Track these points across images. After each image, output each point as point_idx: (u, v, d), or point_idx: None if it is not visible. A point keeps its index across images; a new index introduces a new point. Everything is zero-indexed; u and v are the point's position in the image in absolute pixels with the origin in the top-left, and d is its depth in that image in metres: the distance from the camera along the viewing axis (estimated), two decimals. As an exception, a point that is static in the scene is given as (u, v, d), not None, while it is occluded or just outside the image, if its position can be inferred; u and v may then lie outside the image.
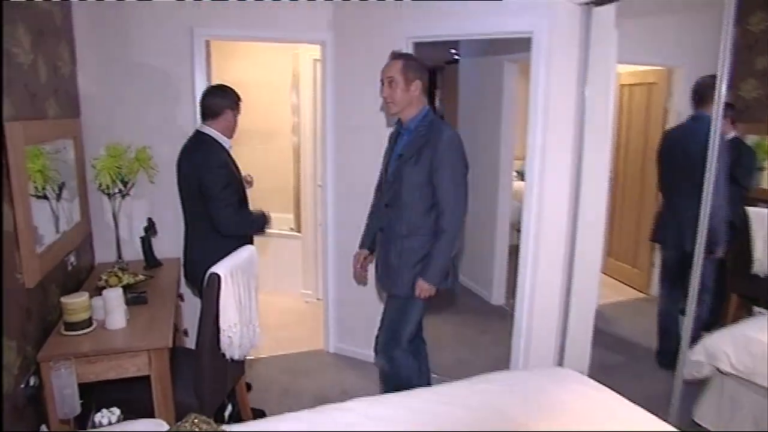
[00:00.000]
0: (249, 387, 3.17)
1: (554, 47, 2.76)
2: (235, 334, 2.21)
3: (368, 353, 3.43)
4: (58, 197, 2.44)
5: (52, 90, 2.45)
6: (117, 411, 2.05)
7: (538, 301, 3.02)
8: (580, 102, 2.86)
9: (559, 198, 2.93)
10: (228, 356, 2.22)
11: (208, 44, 3.14)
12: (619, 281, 4.86)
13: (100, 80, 2.94)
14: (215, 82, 2.95)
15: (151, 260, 2.92)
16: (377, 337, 2.64)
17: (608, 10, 2.79)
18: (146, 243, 2.93)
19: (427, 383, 2.60)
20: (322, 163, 3.55)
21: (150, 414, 2.15)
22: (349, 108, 3.32)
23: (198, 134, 2.64)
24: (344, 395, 3.10)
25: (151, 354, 2.12)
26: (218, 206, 2.53)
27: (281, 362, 3.53)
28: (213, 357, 2.20)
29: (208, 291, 2.13)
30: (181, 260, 2.78)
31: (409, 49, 3.12)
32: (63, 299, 2.13)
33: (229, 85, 2.71)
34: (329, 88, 3.34)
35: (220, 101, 2.64)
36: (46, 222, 2.24)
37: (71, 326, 2.13)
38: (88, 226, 2.87)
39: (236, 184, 2.66)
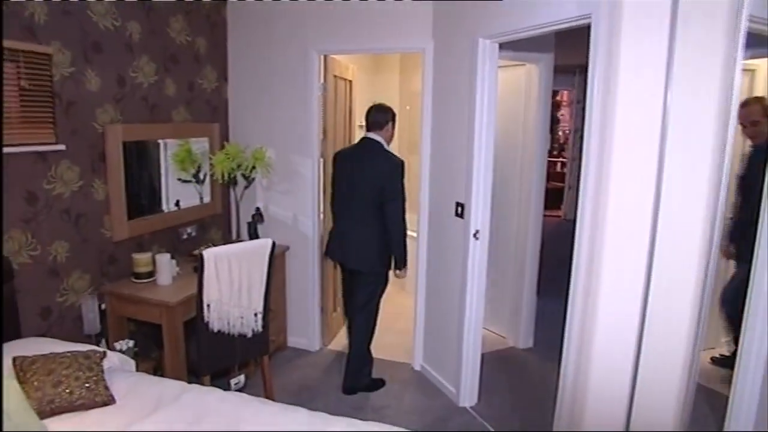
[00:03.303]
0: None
1: (621, 36, 2.02)
2: (213, 309, 2.55)
3: (450, 388, 3.25)
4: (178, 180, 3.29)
5: (182, 101, 3.28)
6: (131, 342, 2.69)
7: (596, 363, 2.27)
8: (663, 114, 2.00)
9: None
10: (210, 327, 2.58)
11: (326, 59, 3.51)
12: None
13: (244, 94, 3.69)
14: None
15: (253, 242, 3.52)
16: None
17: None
18: (252, 228, 3.53)
19: None
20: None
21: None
22: (445, 116, 3.19)
23: (368, 141, 3.12)
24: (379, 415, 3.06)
25: (162, 308, 2.67)
26: (396, 203, 3.00)
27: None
28: (206, 326, 2.59)
29: (198, 269, 2.53)
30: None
31: (494, 53, 2.80)
32: (133, 254, 2.89)
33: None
34: (426, 95, 3.26)
35: (384, 116, 3.12)
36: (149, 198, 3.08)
37: (136, 275, 2.88)
38: (218, 208, 3.65)
39: None
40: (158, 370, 2.84)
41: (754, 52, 1.91)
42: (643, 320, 2.13)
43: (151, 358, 2.92)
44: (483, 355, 3.21)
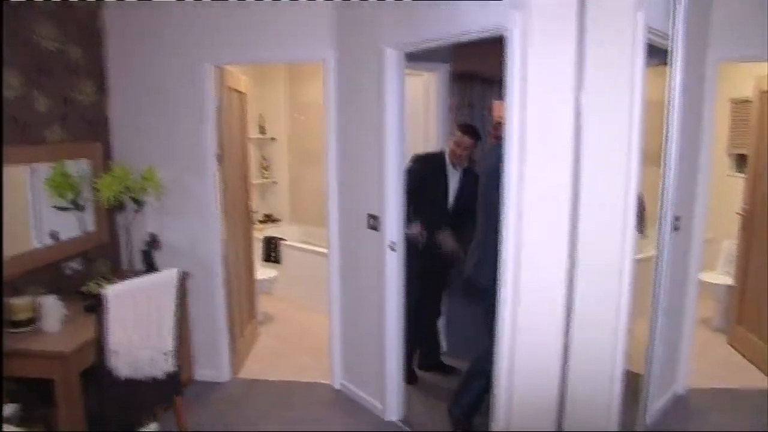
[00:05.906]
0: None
1: (533, 47, 2.15)
2: (123, 355, 2.26)
3: (375, 403, 3.18)
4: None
5: (56, 118, 2.87)
6: (13, 407, 2.28)
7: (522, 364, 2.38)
8: (576, 116, 2.16)
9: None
10: (116, 375, 2.27)
11: (220, 70, 3.30)
12: (751, 361, 3.52)
13: (128, 109, 3.34)
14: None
15: (151, 272, 3.18)
16: None
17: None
18: (148, 256, 3.20)
19: None
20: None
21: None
22: (352, 128, 3.15)
23: None
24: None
25: (55, 360, 2.29)
26: None
27: (276, 389, 3.48)
28: (109, 374, 2.28)
29: (98, 311, 2.22)
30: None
31: (401, 62, 2.82)
32: (9, 299, 2.45)
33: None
34: (330, 106, 3.21)
35: None
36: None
37: (13, 324, 2.45)
38: (105, 237, 3.25)
39: None
40: (50, 432, 2.44)
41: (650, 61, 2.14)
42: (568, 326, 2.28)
43: (38, 420, 2.49)
44: (405, 362, 3.22)
